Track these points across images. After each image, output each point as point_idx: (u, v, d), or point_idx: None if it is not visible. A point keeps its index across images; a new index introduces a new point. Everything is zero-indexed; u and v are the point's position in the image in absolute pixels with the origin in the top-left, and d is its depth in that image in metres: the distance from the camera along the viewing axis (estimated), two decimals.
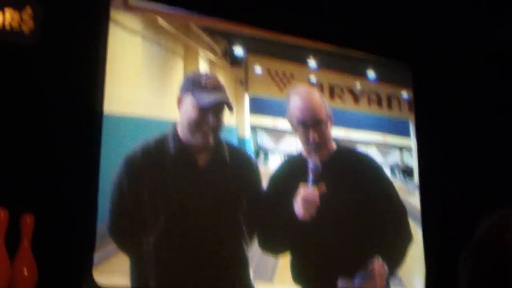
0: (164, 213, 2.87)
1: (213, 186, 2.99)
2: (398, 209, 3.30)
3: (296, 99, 3.13)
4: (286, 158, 3.33)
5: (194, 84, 2.97)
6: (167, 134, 2.95)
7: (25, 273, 2.40)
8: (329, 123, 3.16)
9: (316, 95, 3.22)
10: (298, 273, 3.11)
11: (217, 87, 3.01)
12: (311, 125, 3.10)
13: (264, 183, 3.13)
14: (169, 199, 2.90)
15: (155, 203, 2.87)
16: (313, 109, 3.12)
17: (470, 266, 1.20)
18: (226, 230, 3.00)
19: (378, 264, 3.08)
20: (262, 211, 3.07)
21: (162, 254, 2.85)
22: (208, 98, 2.94)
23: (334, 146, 3.21)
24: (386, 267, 3.09)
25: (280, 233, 3.08)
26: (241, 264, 3.00)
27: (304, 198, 2.98)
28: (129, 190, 2.85)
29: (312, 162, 3.01)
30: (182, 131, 2.96)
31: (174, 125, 2.96)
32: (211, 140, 2.97)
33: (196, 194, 2.96)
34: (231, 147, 3.06)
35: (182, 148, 2.94)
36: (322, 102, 3.18)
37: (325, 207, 3.09)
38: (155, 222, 2.85)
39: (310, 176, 2.99)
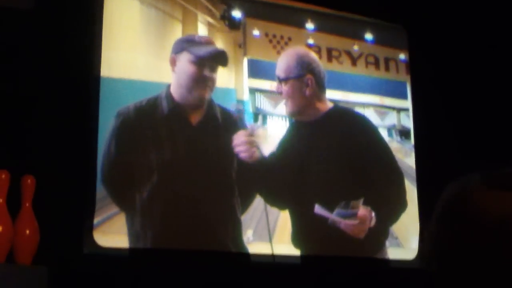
0: (157, 169, 2.90)
1: (205, 144, 3.04)
2: (394, 172, 3.38)
3: (279, 58, 3.28)
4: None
5: (187, 42, 3.04)
6: (160, 94, 3.00)
7: (27, 232, 2.42)
8: (310, 82, 3.24)
9: (295, 52, 3.34)
10: (293, 232, 3.19)
11: (210, 42, 3.11)
12: (282, 80, 3.23)
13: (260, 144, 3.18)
14: (162, 155, 2.93)
15: (148, 159, 2.90)
16: (285, 64, 3.26)
17: (431, 239, 1.13)
18: (218, 187, 3.05)
19: (365, 210, 3.16)
20: (260, 171, 3.12)
21: (154, 209, 2.88)
22: (205, 50, 3.03)
23: (328, 105, 3.31)
24: (374, 219, 3.18)
25: (277, 191, 3.16)
26: (232, 221, 3.05)
27: (235, 145, 3.04)
28: (120, 145, 2.87)
29: (233, 106, 3.08)
30: (176, 91, 3.01)
31: (168, 86, 3.01)
32: (208, 95, 3.03)
33: (189, 151, 3.01)
34: (222, 108, 3.11)
35: (175, 107, 2.99)
36: (302, 59, 3.28)
37: (318, 163, 3.18)
38: (147, 177, 2.89)
39: (237, 121, 3.07)
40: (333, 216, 3.14)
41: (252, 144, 3.05)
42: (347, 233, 3.17)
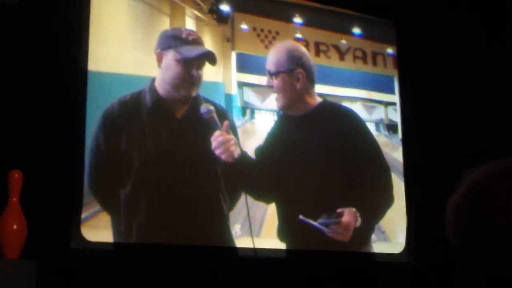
0: (140, 162, 2.90)
1: (190, 137, 3.04)
2: (381, 167, 3.40)
3: (269, 52, 3.29)
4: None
5: (174, 39, 3.02)
6: (144, 88, 3.00)
7: (15, 227, 2.41)
8: (300, 76, 3.25)
9: (286, 46, 3.35)
10: (279, 226, 3.20)
11: (198, 40, 3.09)
12: (273, 74, 3.24)
13: (243, 139, 3.19)
14: (145, 149, 2.93)
15: (132, 153, 2.90)
16: (275, 58, 3.27)
17: (456, 212, 1.18)
18: (203, 182, 3.05)
19: (349, 216, 3.18)
20: (245, 166, 3.13)
21: (140, 204, 2.88)
22: (192, 51, 3.02)
23: (317, 100, 3.33)
24: (360, 219, 3.20)
25: (263, 185, 3.17)
26: (219, 216, 3.05)
27: (214, 148, 3.02)
28: (105, 143, 2.87)
29: (203, 108, 3.04)
30: (161, 86, 3.00)
31: (152, 80, 3.01)
32: (194, 93, 3.03)
33: (173, 144, 3.00)
34: (208, 101, 3.10)
35: (159, 101, 2.99)
36: (293, 53, 3.29)
37: (305, 157, 3.20)
38: (131, 172, 2.88)
39: (210, 122, 3.04)
40: (316, 225, 3.15)
41: (229, 143, 3.04)
42: (332, 238, 3.19)
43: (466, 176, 1.20)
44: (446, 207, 1.21)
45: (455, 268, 1.16)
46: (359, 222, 3.23)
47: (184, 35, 3.07)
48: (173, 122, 3.02)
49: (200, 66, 3.05)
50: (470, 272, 1.13)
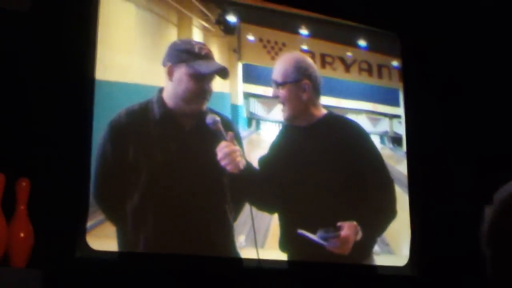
0: (148, 173, 2.90)
1: (198, 149, 3.04)
2: (384, 180, 3.40)
3: (276, 63, 3.30)
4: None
5: (186, 53, 3.02)
6: (151, 99, 3.00)
7: (22, 235, 2.41)
8: (307, 87, 3.26)
9: (293, 57, 3.37)
10: (281, 236, 3.19)
11: (209, 54, 3.11)
12: (279, 84, 3.24)
13: (248, 150, 3.19)
14: (153, 159, 2.93)
15: (139, 164, 2.90)
16: (282, 69, 3.28)
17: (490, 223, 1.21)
18: (210, 192, 3.05)
19: (349, 229, 3.18)
20: (250, 176, 3.12)
21: (147, 214, 2.88)
22: (207, 66, 3.04)
23: (322, 111, 3.34)
24: (360, 233, 3.20)
25: (267, 195, 3.17)
26: (224, 226, 3.05)
27: (219, 159, 3.03)
28: (112, 153, 2.87)
29: (209, 118, 3.04)
30: (171, 99, 3.01)
31: (159, 90, 3.01)
32: (204, 107, 3.04)
33: (181, 155, 3.01)
34: (215, 113, 3.09)
35: (168, 113, 2.99)
36: (300, 64, 3.31)
37: (309, 168, 3.20)
38: (138, 183, 2.88)
39: (216, 133, 3.04)
40: (315, 239, 3.15)
41: (234, 154, 3.04)
42: (332, 251, 3.19)
43: (501, 191, 1.22)
44: (482, 219, 1.22)
45: (486, 279, 1.19)
46: (359, 235, 3.23)
47: (196, 50, 3.07)
48: (182, 134, 3.02)
49: (211, 79, 3.07)
50: (505, 281, 1.15)
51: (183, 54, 3.04)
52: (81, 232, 2.76)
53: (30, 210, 2.47)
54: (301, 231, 3.15)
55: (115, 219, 2.86)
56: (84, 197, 2.79)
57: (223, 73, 3.11)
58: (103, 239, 2.84)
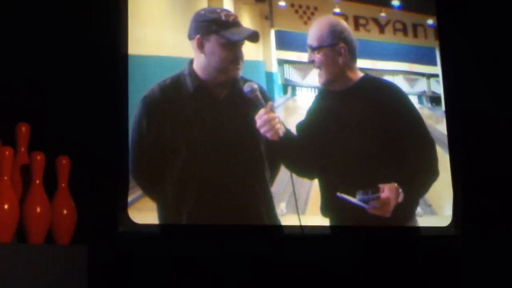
0: (187, 150, 2.91)
1: (233, 118, 3.04)
2: (425, 140, 3.36)
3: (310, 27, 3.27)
4: None
5: (215, 23, 3.00)
6: (182, 72, 3.00)
7: (65, 212, 2.43)
8: (343, 50, 3.23)
9: (328, 21, 3.33)
10: (322, 202, 3.19)
11: (237, 20, 3.08)
12: (315, 49, 3.22)
13: (284, 116, 3.18)
14: (191, 132, 2.94)
15: (176, 137, 2.91)
16: (317, 33, 3.25)
17: None
18: (249, 161, 3.05)
19: (389, 191, 3.16)
20: (290, 143, 3.12)
21: (187, 187, 2.89)
22: (239, 33, 3.03)
23: (358, 74, 3.32)
24: (402, 195, 3.17)
25: (307, 161, 3.16)
26: (265, 195, 3.05)
27: (258, 126, 3.02)
28: (148, 129, 2.88)
29: (247, 86, 3.03)
30: (204, 70, 3.00)
31: (189, 62, 3.00)
32: (239, 74, 3.04)
33: (217, 126, 3.01)
34: (246, 80, 3.09)
35: (200, 84, 2.99)
36: (335, 28, 3.27)
37: (347, 132, 3.18)
38: (177, 161, 2.89)
39: (254, 101, 3.03)
40: (355, 202, 3.14)
41: (274, 121, 3.03)
42: (373, 214, 3.17)
43: None
44: None
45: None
46: (401, 197, 3.21)
47: (223, 18, 3.05)
48: (217, 105, 3.02)
49: (242, 45, 3.05)
50: None
51: (212, 25, 3.01)
52: (123, 207, 2.79)
53: (71, 188, 2.49)
54: (341, 194, 3.14)
55: (153, 194, 2.88)
56: (124, 172, 2.81)
57: (254, 37, 3.09)
58: (145, 212, 2.86)
